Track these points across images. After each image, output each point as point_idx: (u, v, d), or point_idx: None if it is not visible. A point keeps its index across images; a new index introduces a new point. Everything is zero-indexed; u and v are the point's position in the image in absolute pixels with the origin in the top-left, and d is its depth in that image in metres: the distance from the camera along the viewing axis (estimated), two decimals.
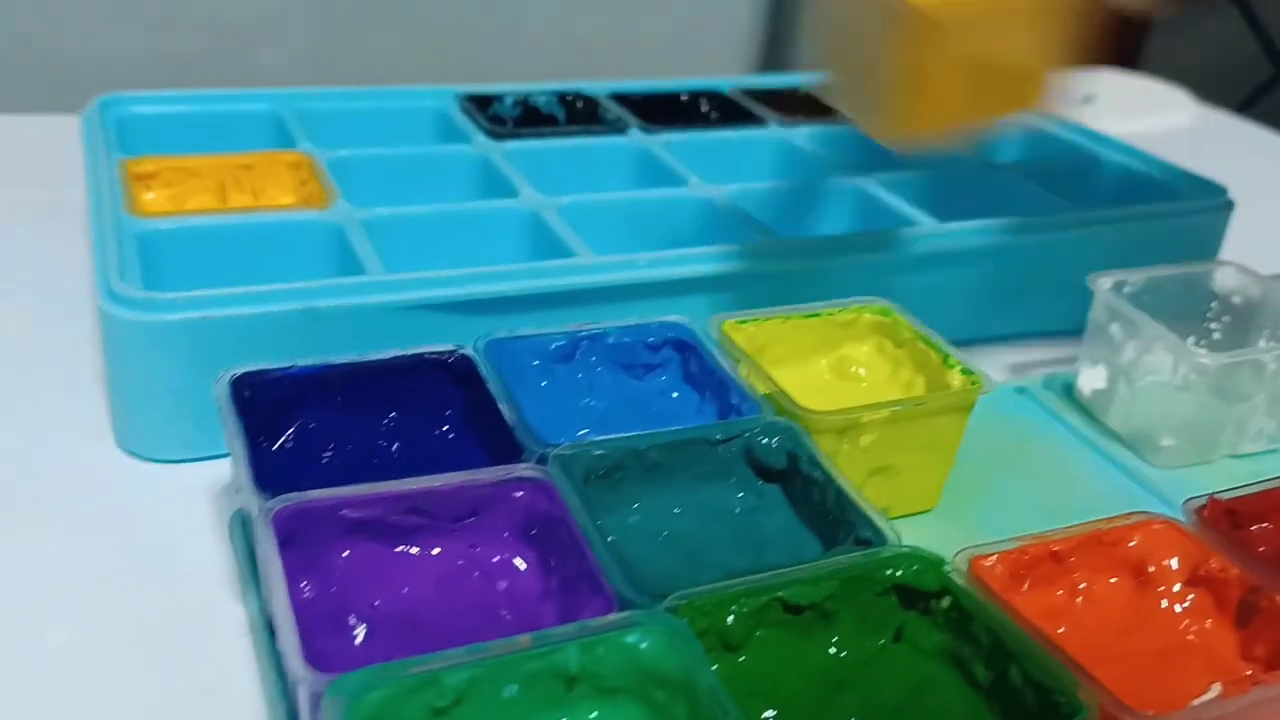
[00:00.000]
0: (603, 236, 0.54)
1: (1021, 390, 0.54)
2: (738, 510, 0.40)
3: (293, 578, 0.34)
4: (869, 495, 0.43)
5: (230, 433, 0.37)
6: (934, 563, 0.35)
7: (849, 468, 0.42)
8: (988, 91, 0.45)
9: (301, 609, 0.32)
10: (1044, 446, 0.51)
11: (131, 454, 0.46)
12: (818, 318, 0.48)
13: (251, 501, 0.35)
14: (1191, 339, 0.54)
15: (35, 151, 0.69)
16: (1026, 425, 0.52)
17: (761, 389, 0.43)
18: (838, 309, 0.48)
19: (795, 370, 0.47)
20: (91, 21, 0.83)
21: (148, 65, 0.87)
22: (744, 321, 0.46)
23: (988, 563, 0.35)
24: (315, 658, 0.30)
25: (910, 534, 0.37)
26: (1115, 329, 0.52)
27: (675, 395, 0.45)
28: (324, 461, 0.40)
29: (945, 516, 0.46)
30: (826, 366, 0.48)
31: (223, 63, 0.87)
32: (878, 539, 0.36)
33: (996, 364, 0.57)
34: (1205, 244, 0.62)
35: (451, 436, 0.42)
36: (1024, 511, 0.47)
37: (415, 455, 0.41)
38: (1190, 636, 0.36)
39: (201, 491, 0.44)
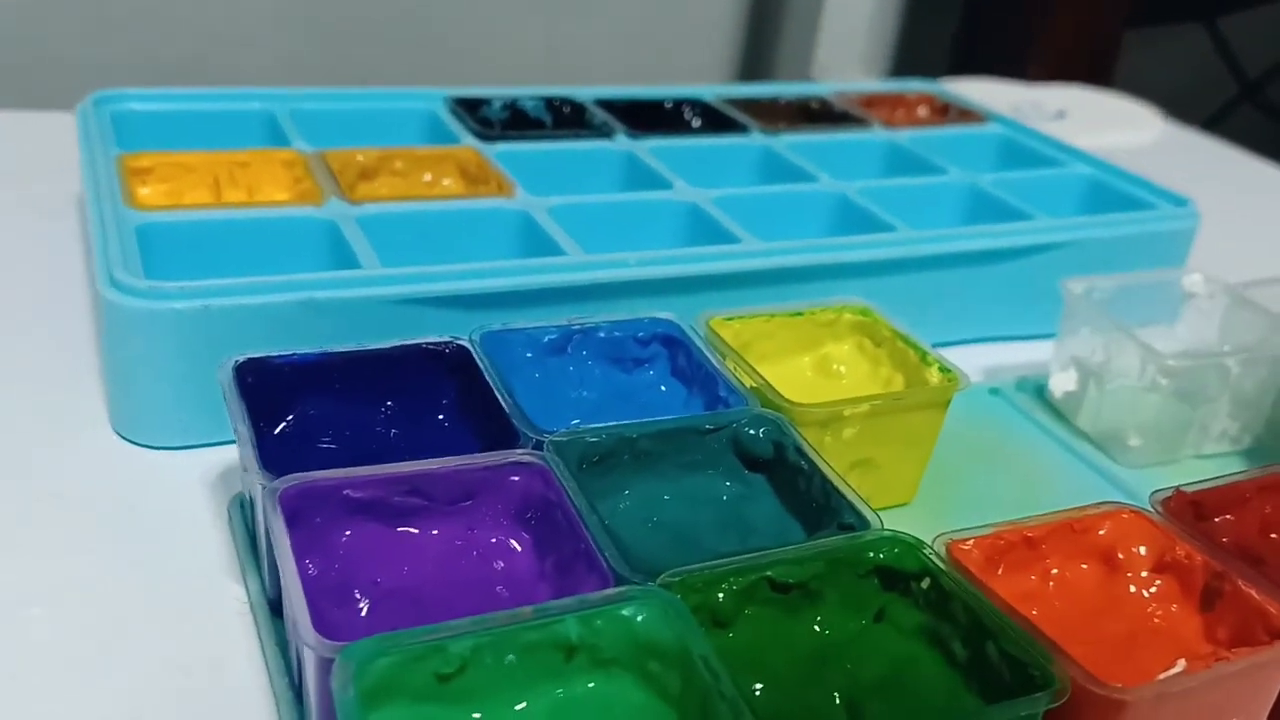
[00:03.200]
0: (591, 236, 0.55)
1: (995, 391, 0.56)
2: (725, 498, 0.41)
3: (298, 555, 0.35)
4: None
5: (235, 416, 0.38)
6: (914, 546, 0.36)
7: (830, 460, 0.43)
8: None
9: (307, 584, 0.33)
10: (1016, 446, 0.53)
11: (128, 440, 0.47)
12: (800, 317, 0.49)
13: (258, 480, 0.36)
14: (1159, 343, 0.56)
15: (21, 148, 0.70)
16: (1000, 425, 0.54)
17: (748, 382, 0.44)
18: (819, 309, 0.50)
19: (779, 367, 0.49)
20: (79, 23, 0.84)
21: (133, 68, 0.88)
22: (730, 319, 0.48)
23: (965, 546, 0.37)
24: (323, 628, 0.31)
25: (888, 526, 0.39)
26: (1086, 333, 0.54)
27: (663, 389, 0.47)
28: (323, 446, 0.41)
29: (922, 509, 0.47)
30: (809, 364, 0.50)
31: (209, 67, 0.88)
32: (861, 524, 0.37)
33: (971, 367, 0.58)
34: (1174, 254, 0.64)
35: (447, 425, 0.43)
36: (997, 506, 0.48)
37: (412, 442, 0.42)
38: (1157, 619, 0.38)
39: (197, 477, 0.45)
